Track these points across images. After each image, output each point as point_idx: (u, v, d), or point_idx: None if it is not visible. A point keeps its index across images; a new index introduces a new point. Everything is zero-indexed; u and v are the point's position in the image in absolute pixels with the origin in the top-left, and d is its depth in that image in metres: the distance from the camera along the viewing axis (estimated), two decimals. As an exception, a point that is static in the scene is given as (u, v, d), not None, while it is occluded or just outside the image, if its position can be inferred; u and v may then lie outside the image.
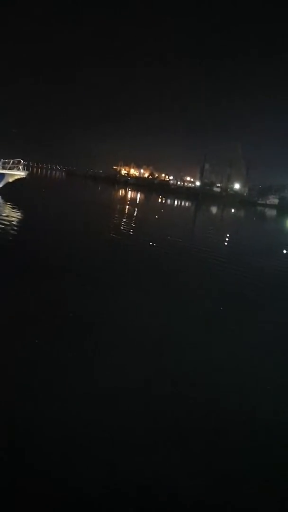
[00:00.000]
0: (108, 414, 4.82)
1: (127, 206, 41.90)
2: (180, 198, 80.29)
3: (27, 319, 7.15)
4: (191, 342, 7.34)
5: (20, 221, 18.25)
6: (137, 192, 79.51)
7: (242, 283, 12.65)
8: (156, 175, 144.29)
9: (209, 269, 14.13)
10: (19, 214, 20.34)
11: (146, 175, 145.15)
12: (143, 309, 8.70)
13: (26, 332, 6.60)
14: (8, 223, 16.83)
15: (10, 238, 14.20)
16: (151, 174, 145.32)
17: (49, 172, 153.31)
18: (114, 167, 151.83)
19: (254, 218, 62.85)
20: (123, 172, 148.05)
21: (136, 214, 32.71)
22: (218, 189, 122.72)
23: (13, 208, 21.94)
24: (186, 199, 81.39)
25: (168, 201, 67.89)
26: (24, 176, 28.76)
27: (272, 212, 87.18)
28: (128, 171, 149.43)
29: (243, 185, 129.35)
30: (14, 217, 19.09)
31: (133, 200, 56.14)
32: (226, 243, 23.84)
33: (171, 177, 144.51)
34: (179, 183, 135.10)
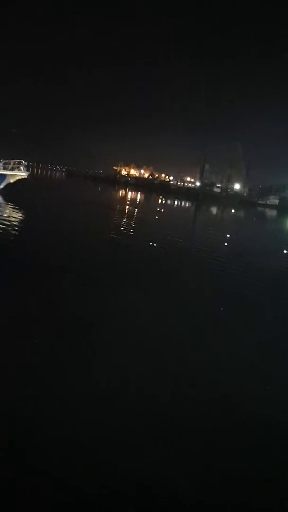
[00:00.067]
0: (108, 414, 4.82)
1: (127, 207, 41.92)
2: (180, 199, 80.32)
3: (27, 319, 7.15)
4: (191, 342, 7.34)
5: (21, 221, 18.29)
6: (137, 193, 79.54)
7: (242, 283, 12.65)
8: (156, 175, 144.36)
9: (209, 269, 14.12)
10: (20, 214, 20.39)
11: (146, 175, 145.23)
12: (143, 309, 8.70)
13: (26, 332, 6.60)
14: (9, 223, 16.87)
15: (12, 238, 14.22)
16: (151, 174, 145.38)
17: (49, 172, 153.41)
18: (114, 168, 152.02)
19: (254, 219, 62.85)
20: (123, 172, 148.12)
21: (136, 215, 32.71)
22: (218, 190, 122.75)
23: (14, 208, 22.00)
24: (186, 200, 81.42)
25: (168, 201, 67.89)
26: (25, 177, 28.77)
27: (272, 213, 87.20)
28: (128, 172, 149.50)
29: (243, 186, 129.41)
30: (15, 217, 19.13)
31: (133, 200, 56.16)
32: (226, 243, 23.83)
33: (171, 178, 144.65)
34: (179, 183, 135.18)
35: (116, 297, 9.21)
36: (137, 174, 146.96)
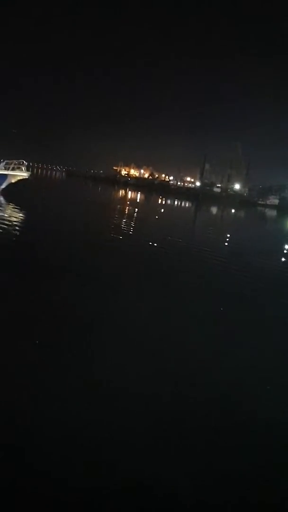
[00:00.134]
0: (108, 414, 4.81)
1: (127, 207, 41.91)
2: (180, 199, 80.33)
3: (27, 319, 7.15)
4: (191, 342, 7.34)
5: (22, 222, 18.36)
6: (137, 193, 79.55)
7: (242, 283, 12.65)
8: (156, 175, 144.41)
9: (209, 269, 14.12)
10: (21, 214, 20.47)
11: (146, 175, 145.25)
12: (143, 309, 8.70)
13: (26, 332, 6.60)
14: (10, 223, 16.93)
15: (14, 238, 14.26)
16: (151, 174, 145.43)
17: (49, 172, 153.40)
18: (114, 168, 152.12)
19: (254, 219, 62.82)
20: (123, 172, 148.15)
21: (136, 215, 32.72)
22: (218, 190, 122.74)
23: (15, 208, 22.08)
24: (186, 200, 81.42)
25: (168, 201, 67.90)
26: (27, 177, 28.86)
27: (272, 213, 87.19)
28: (128, 172, 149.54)
29: (243, 186, 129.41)
30: (16, 217, 19.21)
31: (133, 200, 56.16)
32: (226, 243, 23.84)
33: (171, 178, 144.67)
34: (179, 183, 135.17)
35: (116, 297, 9.21)
36: (137, 174, 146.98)
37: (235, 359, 6.82)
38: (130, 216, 30.78)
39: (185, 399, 5.37)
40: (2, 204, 23.25)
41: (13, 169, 27.39)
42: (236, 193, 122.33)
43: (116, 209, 35.98)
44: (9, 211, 20.77)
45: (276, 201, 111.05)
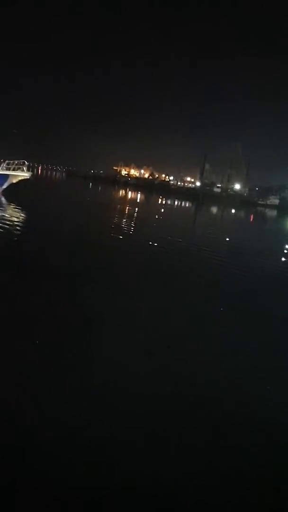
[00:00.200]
0: (108, 413, 4.81)
1: (128, 207, 41.92)
2: (180, 199, 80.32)
3: (27, 319, 7.16)
4: (191, 342, 7.34)
5: (23, 222, 18.44)
6: (137, 193, 79.54)
7: (242, 283, 12.66)
8: (156, 175, 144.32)
9: (209, 269, 14.12)
10: (22, 214, 20.56)
11: (146, 175, 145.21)
12: (143, 309, 8.70)
13: (26, 332, 6.61)
14: (11, 223, 16.99)
15: (15, 238, 14.30)
16: (151, 174, 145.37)
17: (49, 172, 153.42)
18: (114, 168, 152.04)
19: (254, 219, 62.81)
20: (123, 172, 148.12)
21: (136, 214, 32.73)
22: (218, 190, 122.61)
23: (16, 208, 22.17)
24: (186, 200, 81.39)
25: (169, 201, 67.89)
26: (28, 177, 28.95)
27: (272, 213, 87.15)
28: (128, 172, 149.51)
29: (243, 186, 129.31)
30: (17, 217, 19.31)
31: (133, 200, 56.17)
32: (226, 243, 23.83)
33: (171, 178, 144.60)
34: (179, 183, 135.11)
35: (115, 297, 9.20)
36: (137, 174, 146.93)
37: (235, 359, 6.82)
38: (130, 216, 30.79)
39: (185, 399, 5.37)
40: (3, 204, 23.32)
41: (14, 169, 27.46)
42: (236, 193, 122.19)
43: (116, 209, 35.99)
44: (10, 211, 20.85)
45: (276, 201, 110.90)
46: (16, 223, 17.43)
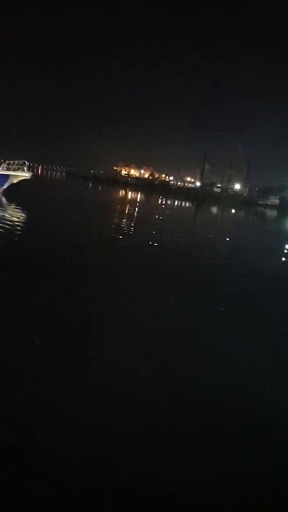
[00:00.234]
0: (108, 413, 4.81)
1: (128, 207, 41.94)
2: (180, 199, 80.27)
3: (27, 319, 7.16)
4: (191, 342, 7.34)
5: (23, 222, 18.52)
6: (138, 193, 79.53)
7: (242, 283, 12.66)
8: (157, 175, 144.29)
9: (209, 269, 14.12)
10: (23, 214, 20.66)
11: (146, 175, 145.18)
12: (143, 309, 8.70)
13: (26, 332, 6.61)
14: (12, 223, 17.04)
15: (16, 238, 14.32)
16: (151, 174, 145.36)
17: (49, 172, 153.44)
18: (114, 168, 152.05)
19: (255, 219, 62.81)
20: (124, 172, 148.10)
21: (136, 214, 32.74)
22: (218, 190, 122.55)
23: (17, 208, 22.27)
24: (187, 200, 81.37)
25: (169, 201, 67.88)
26: (29, 177, 29.01)
27: (272, 213, 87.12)
28: (129, 172, 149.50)
29: (243, 186, 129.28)
30: (18, 217, 19.42)
31: (134, 200, 56.17)
32: (226, 243, 23.84)
33: (171, 178, 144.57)
34: (179, 183, 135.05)
35: (115, 297, 9.20)
36: (137, 174, 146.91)
37: (235, 359, 6.82)
38: (130, 216, 30.80)
39: (185, 399, 5.37)
40: (4, 204, 23.37)
41: (15, 169, 27.50)
42: (236, 193, 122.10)
43: (116, 209, 35.99)
44: (11, 212, 20.91)
45: (276, 201, 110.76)
46: (16, 223, 17.46)
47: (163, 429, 4.67)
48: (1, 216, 18.57)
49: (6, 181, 27.36)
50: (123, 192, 78.80)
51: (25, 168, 28.29)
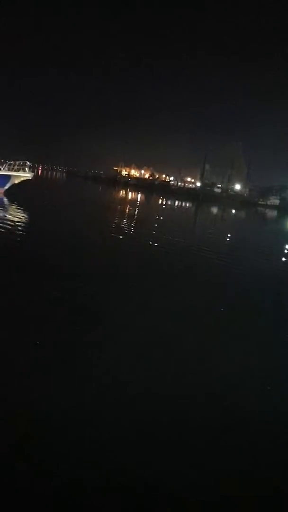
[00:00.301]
0: (107, 413, 4.82)
1: (128, 207, 41.93)
2: (180, 199, 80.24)
3: (27, 319, 7.17)
4: (192, 342, 7.34)
5: (25, 222, 18.59)
6: (138, 193, 79.50)
7: (242, 283, 12.66)
8: (157, 176, 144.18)
9: (209, 269, 14.12)
10: (24, 214, 20.76)
11: (147, 176, 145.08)
12: (143, 309, 8.71)
13: (27, 332, 6.62)
14: (13, 223, 17.11)
15: (18, 239, 14.36)
16: (151, 175, 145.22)
17: (49, 173, 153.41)
18: (115, 168, 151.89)
19: (255, 219, 62.79)
20: (124, 173, 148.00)
21: (136, 215, 32.74)
22: (218, 190, 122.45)
23: (18, 208, 22.42)
24: (187, 200, 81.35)
25: (169, 202, 67.87)
26: (30, 178, 29.10)
27: (273, 213, 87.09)
28: (129, 172, 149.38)
29: (243, 186, 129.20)
30: (19, 217, 19.51)
31: (134, 201, 56.15)
32: (226, 243, 23.85)
33: (171, 178, 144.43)
34: (179, 184, 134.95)
35: (115, 297, 9.21)
36: (137, 175, 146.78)
37: (235, 359, 6.82)
38: (130, 216, 30.81)
39: (186, 399, 5.37)
40: (6, 204, 23.44)
41: (16, 170, 27.56)
42: (236, 193, 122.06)
43: (116, 210, 35.99)
44: (12, 212, 21.01)
45: (276, 202, 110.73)
46: (17, 223, 17.50)
47: (162, 428, 4.67)
48: (3, 216, 18.62)
49: (7, 181, 27.43)
50: (124, 192, 78.79)
51: (26, 169, 28.37)
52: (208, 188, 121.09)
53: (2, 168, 27.11)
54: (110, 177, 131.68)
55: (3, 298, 8.15)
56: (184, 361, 6.49)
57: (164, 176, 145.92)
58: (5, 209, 21.57)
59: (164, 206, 55.08)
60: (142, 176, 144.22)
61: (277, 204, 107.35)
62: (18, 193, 27.37)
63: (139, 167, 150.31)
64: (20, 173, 27.88)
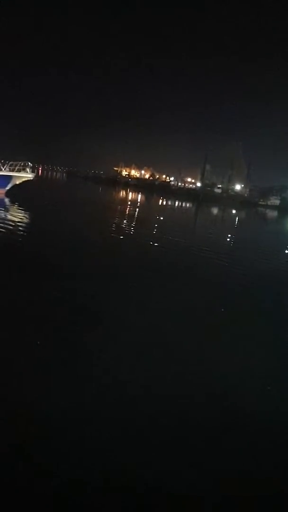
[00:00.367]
0: (107, 413, 4.83)
1: (128, 207, 41.95)
2: (181, 199, 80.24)
3: (27, 319, 7.18)
4: (192, 342, 7.34)
5: (26, 222, 18.63)
6: (138, 193, 79.53)
7: (242, 282, 12.65)
8: (157, 176, 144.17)
9: (210, 269, 14.12)
10: (25, 215, 20.81)
11: (147, 176, 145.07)
12: (143, 308, 8.71)
13: (27, 332, 6.62)
14: (15, 224, 17.16)
15: (20, 239, 14.39)
16: (152, 175, 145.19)
17: (49, 173, 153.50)
18: (115, 168, 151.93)
19: (255, 219, 62.79)
20: (124, 173, 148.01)
21: (137, 215, 32.75)
22: (219, 190, 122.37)
23: (20, 209, 22.52)
24: (187, 200, 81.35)
25: (169, 202, 67.89)
26: (31, 178, 29.15)
27: (273, 213, 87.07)
28: (129, 172, 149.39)
29: (244, 186, 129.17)
30: (21, 218, 19.57)
31: (134, 201, 56.18)
32: (226, 243, 23.85)
33: (171, 178, 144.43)
34: (180, 184, 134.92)
35: (116, 297, 9.21)
36: (137, 175, 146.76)
37: (235, 359, 6.82)
38: (131, 216, 30.82)
39: (185, 399, 5.37)
40: (7, 205, 23.49)
41: (17, 170, 27.61)
42: (237, 193, 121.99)
43: (117, 210, 35.99)
44: (13, 212, 21.07)
45: (277, 202, 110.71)
46: (19, 223, 17.53)
47: (162, 429, 4.67)
48: (4, 217, 18.67)
49: (9, 182, 27.48)
50: (124, 192, 78.81)
51: (28, 169, 28.46)
52: (209, 188, 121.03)
53: (3, 169, 27.15)
54: (110, 178, 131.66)
55: (3, 298, 8.15)
56: (184, 361, 6.49)
57: (164, 176, 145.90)
58: (6, 210, 21.61)
59: (164, 207, 55.09)
60: (142, 177, 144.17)
61: (278, 204, 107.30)
62: (19, 194, 27.40)
63: (139, 167, 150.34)
64: (22, 174, 27.93)
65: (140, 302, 9.20)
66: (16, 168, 27.57)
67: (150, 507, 3.61)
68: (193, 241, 21.98)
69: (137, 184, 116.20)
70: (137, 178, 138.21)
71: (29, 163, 28.75)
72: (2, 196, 26.65)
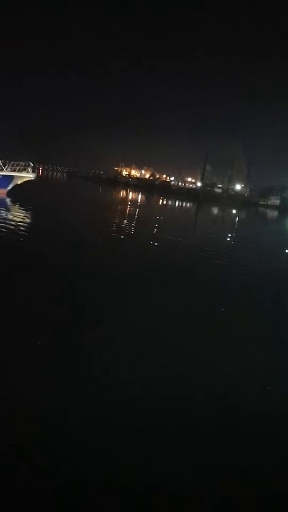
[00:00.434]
0: (107, 413, 4.83)
1: (129, 207, 41.95)
2: (181, 199, 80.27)
3: (28, 319, 7.17)
4: (192, 342, 7.34)
5: (27, 222, 18.64)
6: (138, 193, 79.56)
7: (242, 282, 12.65)
8: (157, 176, 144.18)
9: (210, 269, 14.12)
10: (26, 215, 20.83)
11: (147, 176, 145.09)
12: (143, 308, 8.71)
13: (27, 332, 6.62)
14: (16, 224, 17.16)
15: (21, 239, 14.40)
16: (152, 175, 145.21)
17: (50, 173, 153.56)
18: (115, 168, 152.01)
19: (255, 219, 62.78)
20: (124, 173, 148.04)
21: (137, 215, 32.75)
22: (219, 190, 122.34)
23: (21, 209, 22.55)
24: (187, 200, 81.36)
25: (169, 202, 67.90)
26: (33, 178, 29.20)
27: (273, 213, 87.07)
28: (129, 172, 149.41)
29: (244, 186, 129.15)
30: (22, 218, 19.57)
31: (135, 201, 56.19)
32: (226, 243, 23.85)
33: (172, 178, 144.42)
34: (180, 184, 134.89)
35: (116, 297, 9.21)
36: (138, 175, 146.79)
37: (235, 359, 6.82)
38: (131, 216, 30.83)
39: (185, 400, 5.37)
40: (8, 205, 23.52)
41: (19, 170, 27.65)
42: (237, 193, 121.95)
43: (117, 210, 35.99)
44: (15, 212, 21.10)
45: (277, 202, 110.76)
46: (20, 223, 17.53)
47: (162, 429, 4.67)
48: (6, 217, 18.69)
49: (10, 182, 27.52)
50: (124, 192, 78.82)
51: (29, 169, 28.52)
52: (209, 188, 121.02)
53: (5, 169, 27.17)
54: (111, 178, 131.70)
55: (4, 298, 8.15)
56: (184, 361, 6.49)
57: (164, 176, 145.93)
58: (7, 210, 21.64)
59: (164, 207, 55.09)
60: (142, 176, 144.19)
61: (278, 204, 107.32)
62: (20, 194, 27.42)
63: (139, 167, 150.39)
64: (23, 174, 27.98)
65: (140, 302, 9.20)
66: (18, 168, 27.61)
67: (150, 507, 3.61)
68: (193, 240, 21.98)
69: (137, 184, 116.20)
70: (137, 178, 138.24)
71: (31, 163, 28.80)
72: (4, 196, 26.68)
